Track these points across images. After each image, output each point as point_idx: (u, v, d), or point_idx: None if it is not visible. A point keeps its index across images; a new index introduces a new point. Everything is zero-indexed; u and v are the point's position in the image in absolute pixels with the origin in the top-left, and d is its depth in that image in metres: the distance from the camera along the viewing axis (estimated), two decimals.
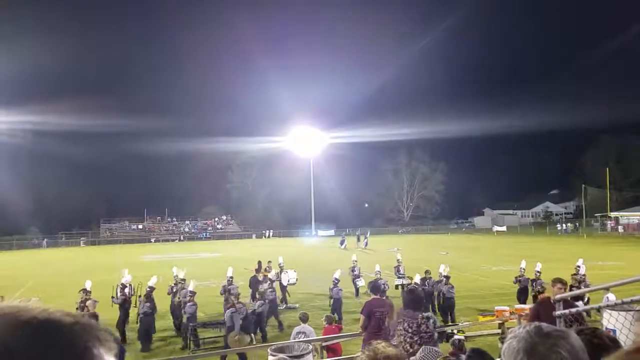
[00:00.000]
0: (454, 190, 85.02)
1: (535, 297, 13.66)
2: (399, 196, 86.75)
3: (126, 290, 13.96)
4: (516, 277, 15.68)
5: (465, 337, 11.28)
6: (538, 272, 15.62)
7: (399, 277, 17.41)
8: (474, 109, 76.39)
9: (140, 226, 74.19)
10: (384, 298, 9.77)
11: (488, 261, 29.31)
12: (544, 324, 1.32)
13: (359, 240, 44.70)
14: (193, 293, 12.52)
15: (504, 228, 69.54)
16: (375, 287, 8.69)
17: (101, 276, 21.92)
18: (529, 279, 15.08)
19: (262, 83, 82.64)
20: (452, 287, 14.27)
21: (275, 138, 74.88)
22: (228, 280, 14.89)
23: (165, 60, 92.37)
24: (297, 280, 17.67)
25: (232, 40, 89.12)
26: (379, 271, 16.66)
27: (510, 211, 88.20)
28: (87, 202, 70.63)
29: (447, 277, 14.59)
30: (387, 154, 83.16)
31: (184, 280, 14.85)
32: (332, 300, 14.60)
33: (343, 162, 76.37)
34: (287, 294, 17.40)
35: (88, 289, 13.20)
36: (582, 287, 13.41)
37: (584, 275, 15.19)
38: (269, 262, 18.12)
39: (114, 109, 68.76)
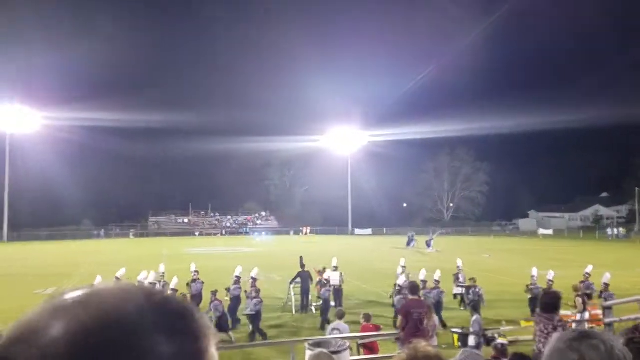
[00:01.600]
0: (497, 191, 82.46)
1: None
2: (440, 196, 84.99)
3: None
4: (527, 286, 15.02)
5: (509, 341, 11.09)
6: (588, 274, 15.40)
7: (457, 286, 16.35)
8: (520, 105, 73.32)
9: (185, 220, 76.82)
10: (422, 299, 9.73)
11: (532, 265, 28.37)
12: (579, 329, 1.35)
13: (432, 238, 41.47)
14: (175, 290, 13.25)
15: (550, 231, 66.93)
16: (414, 287, 8.69)
17: (144, 266, 22.81)
18: (540, 287, 14.42)
19: (300, 81, 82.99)
20: (443, 292, 14.21)
21: (313, 137, 75.24)
22: (234, 279, 14.38)
23: (209, 59, 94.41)
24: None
25: (271, 39, 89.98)
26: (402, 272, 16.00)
27: (557, 214, 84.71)
28: (137, 197, 73.70)
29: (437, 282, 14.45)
30: (427, 152, 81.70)
31: (163, 274, 15.78)
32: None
33: (381, 161, 75.72)
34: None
35: (119, 277, 14.02)
36: (584, 296, 13.44)
37: (591, 283, 15.09)
38: (324, 268, 16.57)
39: (163, 107, 71.20)
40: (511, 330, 12.75)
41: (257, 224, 76.99)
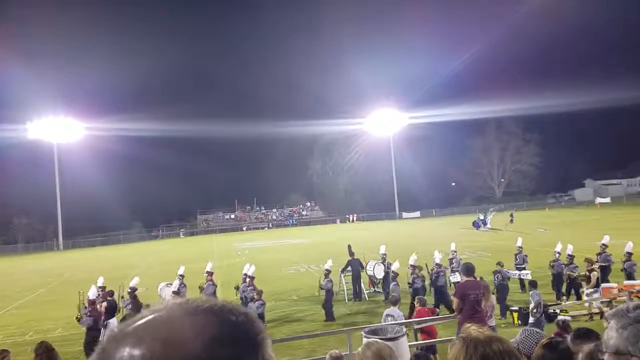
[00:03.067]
0: (550, 162, 78.66)
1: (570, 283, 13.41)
2: (489, 172, 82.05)
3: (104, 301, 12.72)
4: (550, 262, 14.19)
5: (571, 316, 10.61)
6: (604, 245, 14.72)
7: (453, 272, 14.95)
8: (569, 78, 69.40)
9: (232, 216, 78.67)
10: (478, 280, 9.42)
11: (591, 236, 26.98)
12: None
13: (512, 220, 39.27)
14: (133, 291, 12.92)
15: (607, 200, 63.45)
16: (468, 269, 8.41)
17: (195, 264, 23.40)
18: (563, 264, 13.81)
19: (339, 64, 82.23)
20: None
21: (353, 120, 74.01)
22: (242, 278, 14.08)
23: (246, 47, 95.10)
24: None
25: (311, 23, 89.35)
26: (383, 253, 16.05)
27: (614, 181, 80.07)
28: (184, 197, 76.36)
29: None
30: (472, 129, 79.06)
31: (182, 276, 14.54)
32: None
33: (424, 142, 74.00)
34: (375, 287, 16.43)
35: (132, 285, 13.08)
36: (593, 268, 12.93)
37: (608, 255, 14.33)
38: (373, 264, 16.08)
39: (202, 109, 73.11)
40: (572, 305, 12.22)
41: (302, 215, 77.65)
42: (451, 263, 15.59)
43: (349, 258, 16.01)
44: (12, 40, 66.05)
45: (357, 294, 15.41)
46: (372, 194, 76.08)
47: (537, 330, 5.92)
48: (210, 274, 14.56)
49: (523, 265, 15.38)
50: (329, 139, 79.30)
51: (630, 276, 13.68)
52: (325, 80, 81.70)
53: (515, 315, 11.74)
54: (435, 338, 8.79)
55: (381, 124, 73.79)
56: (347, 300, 15.24)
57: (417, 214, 70.23)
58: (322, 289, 13.59)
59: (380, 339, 6.74)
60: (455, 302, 7.89)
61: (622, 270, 14.00)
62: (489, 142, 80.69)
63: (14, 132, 60.53)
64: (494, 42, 76.90)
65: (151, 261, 32.72)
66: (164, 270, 26.84)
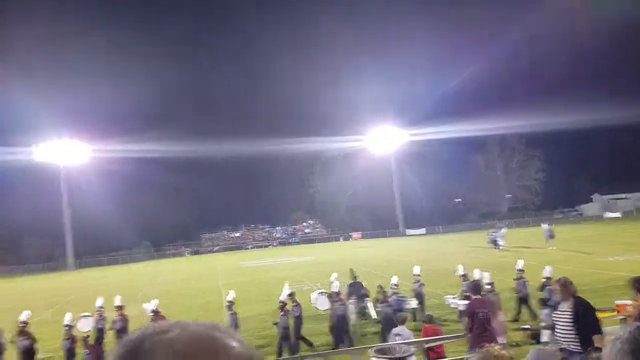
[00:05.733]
0: (555, 176, 78.24)
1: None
2: (494, 188, 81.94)
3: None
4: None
5: None
6: None
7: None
8: (569, 93, 69.41)
9: (237, 234, 78.58)
10: (485, 298, 9.27)
11: (601, 252, 26.67)
12: None
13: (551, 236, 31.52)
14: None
15: (618, 214, 62.84)
16: (475, 287, 8.33)
17: (205, 283, 23.26)
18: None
19: (337, 81, 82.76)
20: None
21: (353, 137, 74.16)
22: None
23: (246, 64, 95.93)
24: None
25: (308, 40, 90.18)
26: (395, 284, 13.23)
27: (624, 195, 79.45)
28: (188, 217, 76.45)
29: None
30: (474, 145, 79.08)
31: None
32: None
33: (426, 158, 74.00)
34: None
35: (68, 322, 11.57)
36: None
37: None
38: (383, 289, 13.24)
39: (203, 129, 73.44)
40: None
41: (305, 233, 77.42)
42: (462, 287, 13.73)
43: (351, 281, 15.58)
44: (17, 63, 67.33)
45: (362, 312, 15.04)
46: (375, 211, 75.81)
47: (548, 349, 5.78)
48: (120, 307, 12.81)
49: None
50: (329, 156, 79.48)
51: None
52: (325, 97, 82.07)
53: (527, 334, 11.51)
54: (444, 357, 8.62)
55: (381, 140, 73.99)
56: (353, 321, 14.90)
57: (423, 230, 69.77)
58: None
59: (388, 358, 6.61)
60: (465, 320, 7.79)
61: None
62: (491, 157, 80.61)
63: (21, 154, 61.41)
64: (495, 58, 77.41)
65: (158, 281, 32.58)
66: (169, 290, 26.74)
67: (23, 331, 11.13)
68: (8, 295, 31.76)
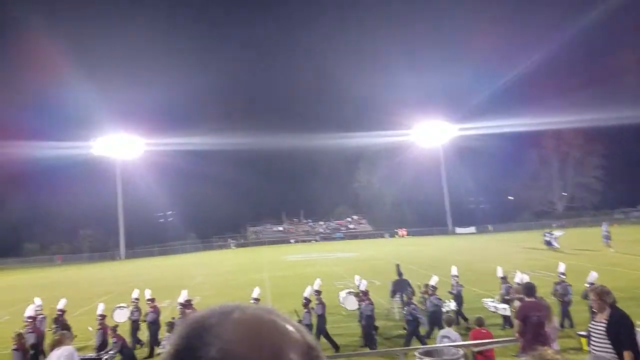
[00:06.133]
0: (616, 173, 73.48)
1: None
2: (549, 186, 77.76)
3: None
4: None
5: None
6: None
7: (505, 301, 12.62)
8: (634, 83, 64.85)
9: (280, 228, 79.58)
10: (539, 300, 8.81)
11: None
12: None
13: (607, 237, 30.31)
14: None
15: None
16: (529, 288, 7.91)
17: (251, 275, 23.64)
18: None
19: (383, 74, 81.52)
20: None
21: (400, 131, 72.50)
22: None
23: (294, 59, 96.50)
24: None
25: (359, 33, 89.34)
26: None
27: None
28: (236, 209, 78.15)
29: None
30: (529, 140, 75.31)
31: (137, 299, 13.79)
32: None
33: (477, 153, 71.24)
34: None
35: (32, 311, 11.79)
36: None
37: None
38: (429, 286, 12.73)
39: (250, 122, 74.76)
40: None
41: (349, 228, 77.11)
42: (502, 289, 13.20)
43: (396, 278, 15.24)
44: (78, 61, 70.98)
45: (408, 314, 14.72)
46: (422, 207, 74.15)
47: (607, 356, 5.40)
48: (151, 300, 13.42)
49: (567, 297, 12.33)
50: (374, 150, 78.30)
51: None
52: (371, 91, 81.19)
53: (584, 340, 10.87)
54: None
55: (429, 135, 72.23)
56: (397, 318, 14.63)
57: (472, 229, 67.50)
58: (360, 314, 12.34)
59: None
60: (516, 324, 7.43)
61: None
62: (547, 153, 76.63)
63: (80, 149, 65.09)
64: (551, 49, 73.61)
65: (206, 272, 33.54)
66: (218, 281, 27.45)
67: (58, 319, 11.95)
68: (59, 283, 33.65)
